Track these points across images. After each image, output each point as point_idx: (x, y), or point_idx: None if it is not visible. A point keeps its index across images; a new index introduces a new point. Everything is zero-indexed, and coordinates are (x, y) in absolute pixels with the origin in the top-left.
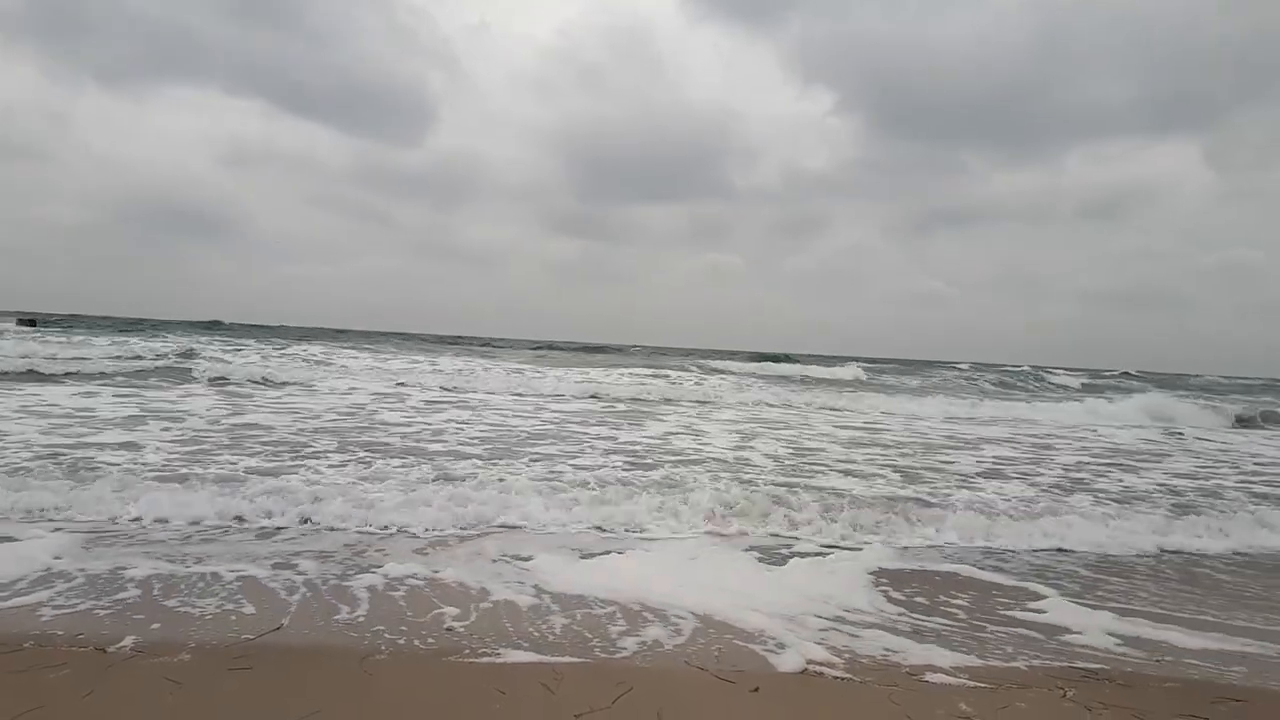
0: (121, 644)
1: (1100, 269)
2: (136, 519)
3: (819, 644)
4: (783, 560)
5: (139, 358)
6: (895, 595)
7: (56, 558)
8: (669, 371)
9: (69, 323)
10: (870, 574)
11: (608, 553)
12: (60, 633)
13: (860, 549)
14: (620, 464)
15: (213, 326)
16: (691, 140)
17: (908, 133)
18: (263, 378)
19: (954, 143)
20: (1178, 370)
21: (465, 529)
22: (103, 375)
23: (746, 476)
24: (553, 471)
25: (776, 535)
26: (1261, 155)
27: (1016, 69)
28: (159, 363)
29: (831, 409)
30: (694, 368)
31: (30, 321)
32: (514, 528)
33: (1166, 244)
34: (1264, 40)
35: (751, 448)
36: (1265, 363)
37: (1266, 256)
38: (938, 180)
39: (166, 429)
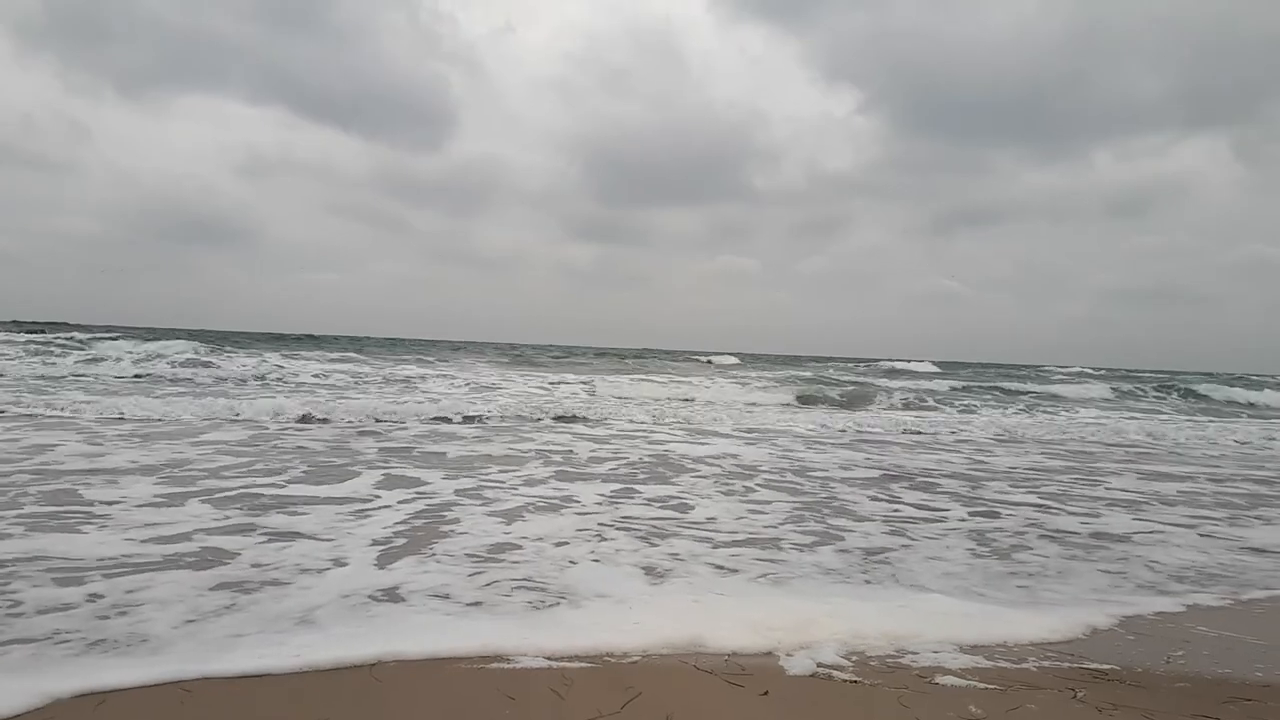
0: None
1: (1126, 266)
2: None
3: (829, 647)
4: None
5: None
6: None
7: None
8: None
9: (90, 331)
10: None
11: None
12: None
13: None
14: None
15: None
16: (715, 142)
17: (934, 131)
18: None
19: (981, 141)
20: (1207, 368)
21: None
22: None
23: None
24: None
25: None
26: None
27: (1049, 65)
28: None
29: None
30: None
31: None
32: None
33: (1194, 240)
34: None
35: None
36: None
37: None
38: (963, 179)
39: None
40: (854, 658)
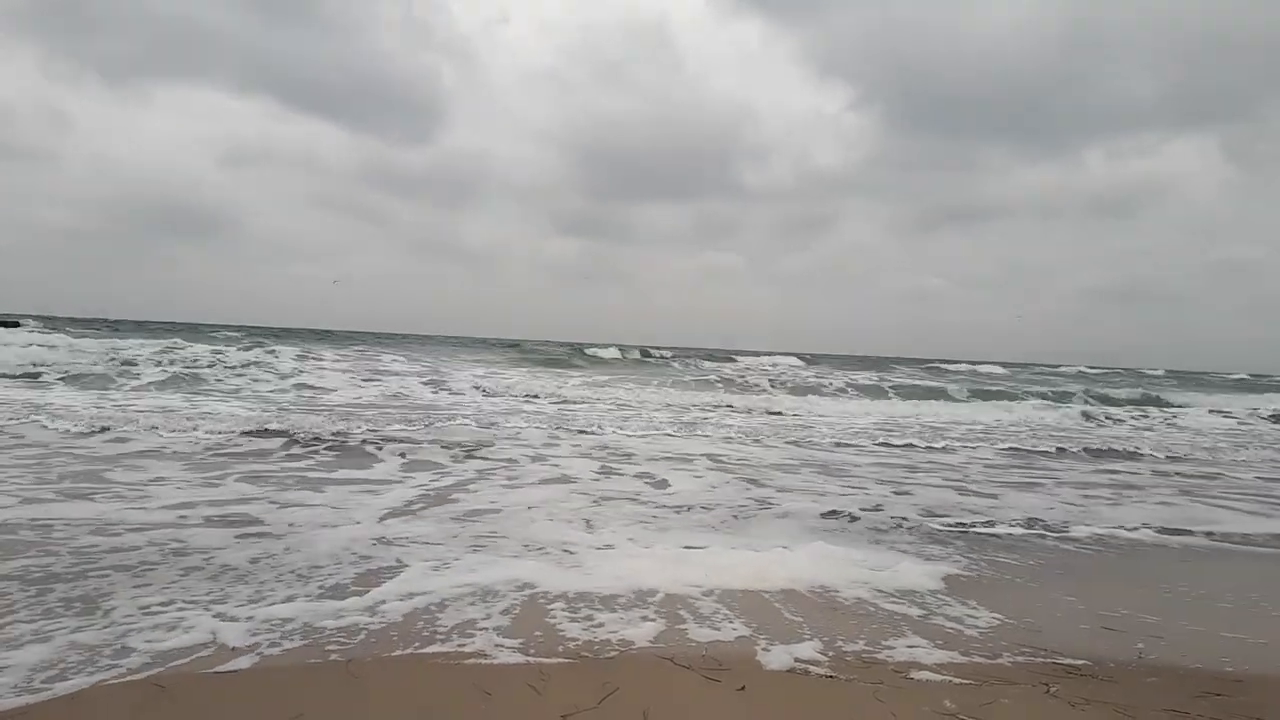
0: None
1: (1114, 265)
2: None
3: (805, 641)
4: None
5: None
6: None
7: None
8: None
9: (87, 325)
10: None
11: None
12: None
13: None
14: None
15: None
16: (706, 138)
17: (925, 128)
18: None
19: (973, 138)
20: (1192, 368)
21: None
22: None
23: None
24: None
25: None
26: None
27: (1044, 63)
28: None
29: None
30: None
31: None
32: None
33: (1182, 239)
34: None
35: None
36: (1270, 360)
37: (1273, 253)
38: (954, 177)
39: None
40: (831, 653)
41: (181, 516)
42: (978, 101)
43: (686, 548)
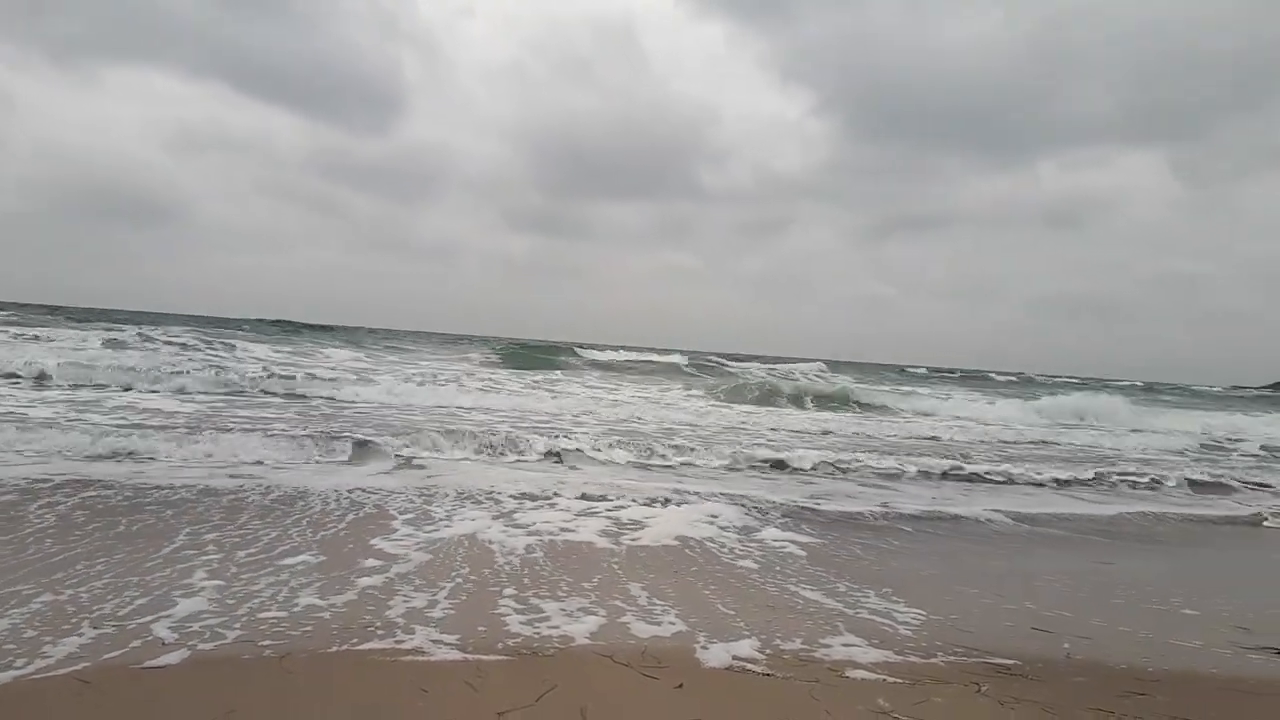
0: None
1: (1061, 275)
2: None
3: (744, 639)
4: None
5: None
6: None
7: None
8: None
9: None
10: None
11: None
12: None
13: None
14: None
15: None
16: (667, 139)
17: (885, 136)
18: None
19: (931, 147)
20: (1136, 378)
21: None
22: None
23: None
24: None
25: None
26: (1235, 167)
27: (1003, 77)
28: None
29: None
30: None
31: None
32: None
33: (1129, 251)
34: (1258, 52)
35: None
36: (1211, 373)
37: (1216, 268)
38: (910, 185)
39: None
40: (768, 651)
41: None
42: (937, 112)
43: None
